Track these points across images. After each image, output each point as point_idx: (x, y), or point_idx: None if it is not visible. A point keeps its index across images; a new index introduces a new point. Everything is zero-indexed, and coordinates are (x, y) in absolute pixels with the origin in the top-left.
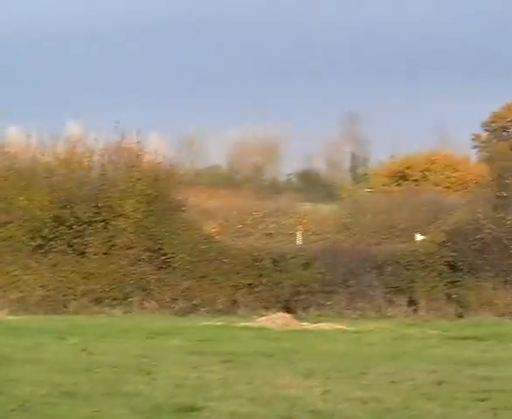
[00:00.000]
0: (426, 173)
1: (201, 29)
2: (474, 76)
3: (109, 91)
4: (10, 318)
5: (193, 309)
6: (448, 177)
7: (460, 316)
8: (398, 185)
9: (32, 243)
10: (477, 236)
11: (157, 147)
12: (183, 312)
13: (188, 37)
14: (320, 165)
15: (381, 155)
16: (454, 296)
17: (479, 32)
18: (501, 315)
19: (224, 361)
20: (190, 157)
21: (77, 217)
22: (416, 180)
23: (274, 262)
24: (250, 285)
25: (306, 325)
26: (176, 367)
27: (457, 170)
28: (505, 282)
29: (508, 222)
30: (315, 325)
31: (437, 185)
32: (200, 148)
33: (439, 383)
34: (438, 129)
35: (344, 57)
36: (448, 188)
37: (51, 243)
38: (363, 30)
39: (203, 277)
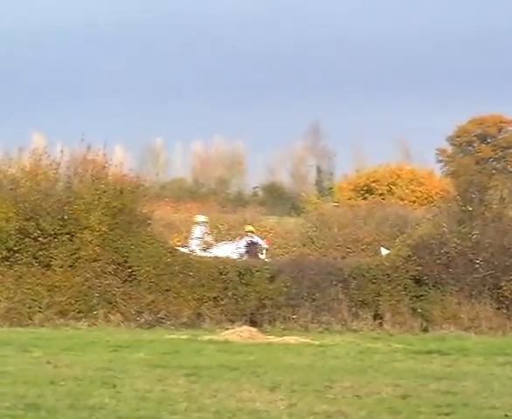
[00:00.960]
0: (392, 187)
1: (168, 40)
2: (440, 91)
3: (75, 103)
4: None
5: (158, 322)
6: (413, 191)
7: (425, 330)
8: (364, 199)
9: None
10: (442, 251)
11: (123, 159)
12: (148, 325)
13: (153, 49)
14: (285, 178)
15: (346, 169)
16: (419, 310)
17: (444, 48)
18: (466, 329)
19: (189, 375)
20: (156, 169)
21: (42, 230)
22: (381, 194)
23: (240, 275)
24: (215, 298)
25: (271, 338)
26: (141, 380)
27: (422, 184)
28: (470, 296)
29: (473, 236)
30: (281, 338)
31: (402, 199)
32: (165, 161)
33: (404, 397)
34: (402, 143)
35: (309, 71)
36: (413, 202)
37: (17, 255)
38: (330, 45)
39: (168, 290)
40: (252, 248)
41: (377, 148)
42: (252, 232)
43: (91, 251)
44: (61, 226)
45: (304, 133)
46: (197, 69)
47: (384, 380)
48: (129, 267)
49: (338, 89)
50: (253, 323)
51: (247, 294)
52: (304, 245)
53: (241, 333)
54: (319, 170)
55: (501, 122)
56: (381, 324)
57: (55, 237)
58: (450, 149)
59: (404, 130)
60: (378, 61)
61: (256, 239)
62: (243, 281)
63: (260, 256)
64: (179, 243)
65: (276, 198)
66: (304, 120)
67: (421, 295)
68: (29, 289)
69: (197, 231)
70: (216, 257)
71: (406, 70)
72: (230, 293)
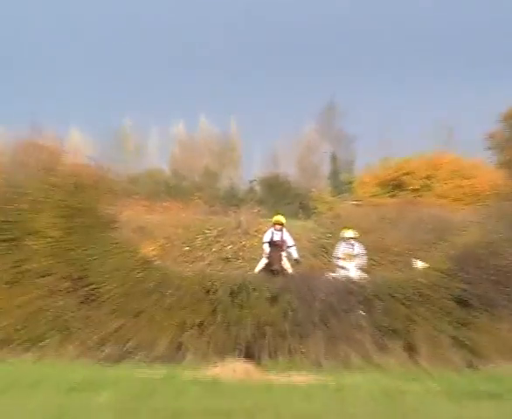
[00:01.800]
0: (428, 181)
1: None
2: (487, 63)
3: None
4: None
5: (126, 355)
6: (456, 187)
7: (471, 366)
8: (393, 196)
9: None
10: (493, 263)
11: (80, 145)
12: (114, 359)
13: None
14: (291, 170)
15: (370, 158)
16: (464, 339)
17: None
18: None
19: None
20: (124, 159)
21: None
22: (416, 190)
23: (232, 294)
24: (200, 323)
25: (273, 376)
26: None
27: (467, 178)
28: None
29: None
30: (285, 377)
31: (442, 197)
32: (136, 148)
33: None
34: (442, 127)
35: (323, 40)
36: (456, 200)
37: None
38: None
39: (139, 313)
40: (275, 250)
41: (410, 134)
42: (281, 225)
43: (38, 264)
44: (1, 231)
45: (316, 114)
46: (181, 36)
47: None
48: (89, 284)
49: (360, 61)
50: (250, 357)
51: (242, 319)
52: (315, 256)
53: (234, 369)
54: (334, 159)
55: None
56: (414, 358)
57: None
58: (503, 134)
59: (444, 112)
60: (409, 29)
61: (286, 236)
62: (236, 302)
63: (286, 264)
64: (154, 253)
65: (279, 195)
66: (316, 99)
67: (466, 321)
68: None
69: (341, 249)
70: (201, 272)
71: (442, 39)
72: (219, 318)
